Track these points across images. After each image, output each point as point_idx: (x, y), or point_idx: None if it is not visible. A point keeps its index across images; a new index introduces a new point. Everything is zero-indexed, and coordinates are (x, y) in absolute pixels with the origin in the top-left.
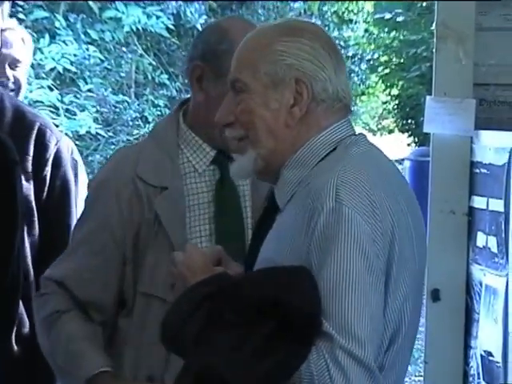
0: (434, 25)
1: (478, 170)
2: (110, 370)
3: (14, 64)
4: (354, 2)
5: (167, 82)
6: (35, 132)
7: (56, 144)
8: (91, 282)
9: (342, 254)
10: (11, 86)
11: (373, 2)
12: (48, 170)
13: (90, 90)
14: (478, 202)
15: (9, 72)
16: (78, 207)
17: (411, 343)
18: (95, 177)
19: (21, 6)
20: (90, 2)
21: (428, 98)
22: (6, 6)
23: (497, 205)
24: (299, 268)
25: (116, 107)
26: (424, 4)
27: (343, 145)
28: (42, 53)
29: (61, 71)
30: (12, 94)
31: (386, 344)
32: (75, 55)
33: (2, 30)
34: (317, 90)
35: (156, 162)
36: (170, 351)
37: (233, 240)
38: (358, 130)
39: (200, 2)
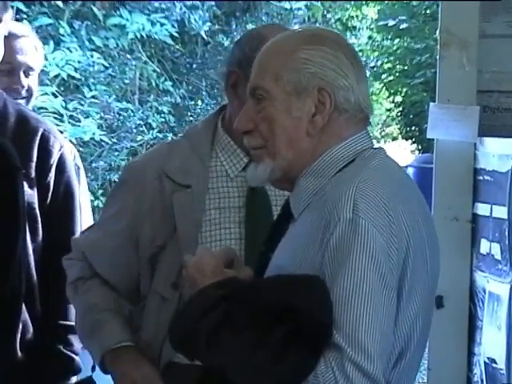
0: (437, 32)
1: (481, 177)
2: (130, 345)
3: (28, 72)
4: (358, 9)
5: (171, 89)
6: (39, 138)
7: (60, 150)
8: (109, 262)
9: (357, 266)
10: (24, 93)
11: (376, 9)
12: (52, 175)
13: (94, 97)
14: (482, 209)
15: (23, 80)
16: (81, 213)
17: (418, 360)
18: (132, 161)
19: (25, 13)
20: (95, 9)
21: (432, 104)
22: (10, 13)
23: (500, 212)
24: (314, 277)
25: (120, 114)
26: (428, 11)
27: (362, 157)
28: (47, 59)
29: (65, 78)
30: (23, 101)
31: (394, 360)
32: (79, 62)
33: (17, 37)
34: (339, 99)
35: (185, 160)
36: (179, 352)
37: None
38: None
39: (204, 9)
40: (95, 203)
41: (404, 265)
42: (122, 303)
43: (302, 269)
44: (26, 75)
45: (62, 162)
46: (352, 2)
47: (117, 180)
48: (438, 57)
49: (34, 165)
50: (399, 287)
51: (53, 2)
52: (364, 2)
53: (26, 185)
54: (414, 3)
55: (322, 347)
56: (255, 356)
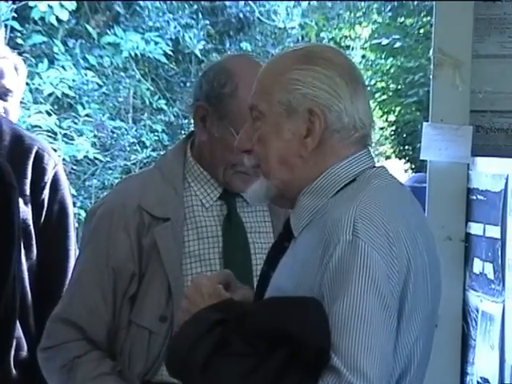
0: (431, 51)
1: (474, 197)
2: None
3: (5, 94)
4: (351, 28)
5: (165, 108)
6: (33, 155)
7: (54, 167)
8: (99, 317)
9: (356, 289)
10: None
11: (370, 28)
12: (46, 193)
13: (87, 115)
14: (475, 229)
15: None
16: (75, 230)
17: (422, 381)
18: (99, 205)
19: (19, 31)
20: (89, 28)
21: (425, 124)
22: (1, 32)
23: (493, 231)
24: (309, 299)
25: (114, 132)
26: (421, 30)
27: (363, 176)
28: (41, 78)
29: (59, 96)
30: None
31: (394, 383)
32: (73, 80)
33: None
34: (331, 119)
35: (160, 193)
36: (175, 378)
37: (241, 275)
38: None
39: (199, 28)
40: None
41: (404, 287)
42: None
43: (300, 290)
44: (3, 98)
45: (56, 179)
46: (345, 21)
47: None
48: (431, 76)
49: (28, 182)
50: (399, 309)
51: (47, 20)
52: (357, 21)
53: (20, 202)
54: (408, 22)
55: (320, 371)
56: (250, 382)
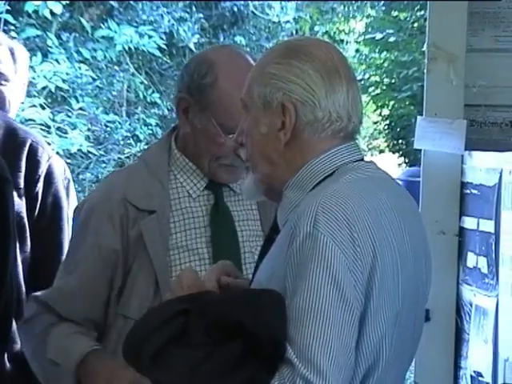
0: (425, 46)
1: (468, 191)
2: (99, 348)
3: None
4: (345, 22)
5: (159, 101)
6: (27, 149)
7: (48, 160)
8: (76, 302)
9: (313, 281)
10: None
11: (364, 22)
12: (40, 186)
13: (81, 109)
14: (469, 223)
15: None
16: (69, 224)
17: (397, 378)
18: (85, 201)
19: (13, 25)
20: (83, 21)
21: (419, 118)
22: None
23: (487, 225)
24: (269, 292)
25: (107, 126)
26: (415, 25)
27: (341, 170)
28: (34, 71)
29: (53, 90)
30: None
31: (360, 378)
32: (67, 74)
33: None
34: (304, 113)
35: (145, 186)
36: (130, 365)
37: None
38: None
39: (193, 21)
40: None
41: (370, 281)
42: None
43: (272, 283)
44: None
45: (50, 172)
46: (340, 15)
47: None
48: (425, 70)
49: (22, 175)
50: (364, 304)
51: (41, 13)
52: (351, 15)
53: (14, 195)
54: (402, 17)
55: (276, 362)
56: (198, 372)
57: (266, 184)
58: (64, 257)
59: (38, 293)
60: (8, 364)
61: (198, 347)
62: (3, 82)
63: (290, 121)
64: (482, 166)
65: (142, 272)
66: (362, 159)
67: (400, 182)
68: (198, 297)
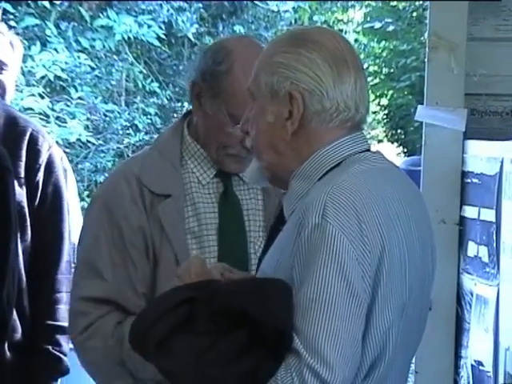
0: (425, 35)
1: (469, 180)
2: None
3: (0, 68)
4: (344, 12)
5: (158, 91)
6: (27, 138)
7: (48, 150)
8: (135, 290)
9: (322, 272)
10: None
11: (363, 12)
12: (40, 175)
13: (80, 98)
14: (470, 212)
15: None
16: (69, 213)
17: (402, 369)
18: (99, 189)
19: (12, 14)
20: (82, 10)
21: (420, 107)
22: None
23: (488, 214)
24: (277, 282)
25: (106, 115)
26: (414, 14)
27: (349, 161)
28: (33, 60)
29: (52, 79)
30: None
31: (366, 369)
32: (66, 63)
33: None
34: (311, 103)
35: (159, 170)
36: (135, 351)
37: (236, 253)
38: None
39: (192, 11)
40: (81, 204)
41: (378, 272)
42: None
43: (278, 272)
44: None
45: (50, 162)
46: (338, 4)
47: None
48: (426, 59)
49: (22, 164)
50: (372, 295)
51: (39, 2)
52: (350, 4)
53: (15, 184)
54: (401, 6)
55: (281, 352)
56: (201, 361)
57: (271, 172)
58: (64, 245)
59: (84, 293)
60: (8, 353)
61: (204, 335)
62: (5, 70)
63: (297, 110)
64: (483, 155)
65: (162, 257)
66: (369, 149)
67: None
68: (205, 285)
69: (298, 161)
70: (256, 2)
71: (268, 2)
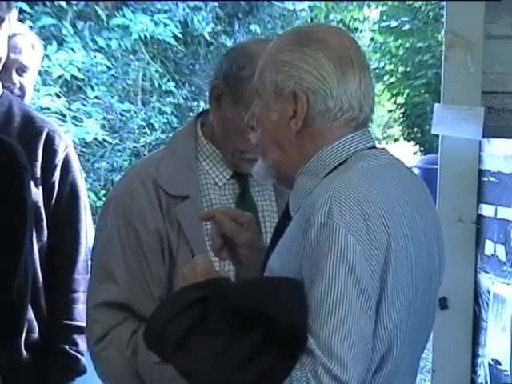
0: (442, 33)
1: (486, 178)
2: None
3: (21, 70)
4: (360, 11)
5: (174, 90)
6: (44, 137)
7: (65, 149)
8: (150, 294)
9: (331, 272)
10: (17, 92)
11: (379, 10)
12: (57, 175)
13: (97, 97)
14: (487, 210)
15: (15, 78)
16: (86, 212)
17: (412, 365)
18: (113, 191)
19: (28, 13)
20: (98, 10)
21: (437, 105)
22: (14, 12)
23: (505, 213)
24: (286, 280)
25: (123, 115)
26: (430, 12)
27: (354, 158)
28: (50, 60)
29: (68, 78)
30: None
31: (375, 366)
32: (83, 62)
33: (13, 35)
34: (315, 102)
35: (175, 172)
36: (152, 351)
37: None
38: None
39: (207, 10)
40: (98, 204)
41: (384, 270)
42: None
43: (285, 270)
44: (19, 74)
45: (67, 161)
46: (354, 3)
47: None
48: (442, 58)
49: (39, 164)
50: (380, 292)
51: (56, 2)
52: (366, 3)
53: (31, 184)
54: (417, 4)
55: (296, 351)
56: (222, 360)
57: (277, 171)
58: (81, 245)
59: (99, 299)
60: (25, 353)
61: (219, 334)
62: (26, 72)
63: (301, 109)
64: (500, 154)
65: (180, 259)
66: (374, 146)
67: (417, 170)
68: (213, 283)
69: (303, 159)
70: (272, 1)
71: (284, 1)
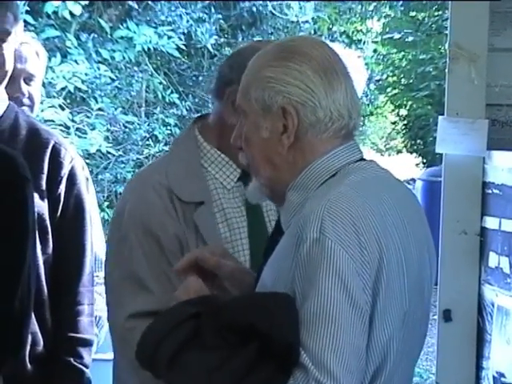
0: (446, 45)
1: (490, 191)
2: None
3: (29, 79)
4: (363, 22)
5: (177, 102)
6: (50, 150)
7: (71, 162)
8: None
9: (323, 287)
10: (26, 101)
11: (382, 22)
12: (62, 188)
13: (100, 109)
14: (491, 223)
15: (24, 87)
16: (92, 225)
17: (406, 374)
18: (126, 207)
19: (32, 25)
20: (102, 22)
21: (440, 118)
22: (20, 25)
23: (509, 225)
24: (280, 295)
25: (126, 126)
26: (433, 25)
27: (344, 171)
28: (54, 72)
29: (72, 90)
30: (26, 109)
31: (369, 379)
32: (86, 74)
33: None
34: (305, 115)
35: (185, 179)
36: (145, 369)
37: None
38: (366, 150)
39: (211, 22)
40: (101, 215)
41: (376, 283)
42: None
43: (277, 285)
44: (27, 83)
45: (72, 174)
46: (357, 15)
47: (120, 199)
48: (446, 70)
49: (44, 177)
50: (372, 305)
51: (60, 14)
52: (369, 15)
53: (36, 196)
54: (420, 16)
55: (290, 366)
56: (217, 376)
57: (269, 188)
58: (86, 258)
59: (132, 309)
60: (29, 365)
61: (213, 350)
62: (33, 81)
63: (292, 124)
64: (504, 166)
65: None
66: (363, 158)
67: (421, 183)
68: (206, 300)
69: (293, 173)
70: (275, 13)
71: (287, 12)
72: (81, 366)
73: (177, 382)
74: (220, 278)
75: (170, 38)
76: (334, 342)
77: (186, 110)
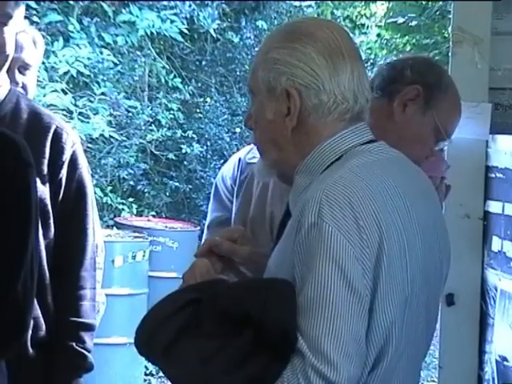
0: (449, 29)
1: (493, 175)
2: None
3: (23, 68)
4: (366, 7)
5: (180, 86)
6: (51, 134)
7: (72, 146)
8: None
9: (321, 272)
10: (20, 91)
11: (385, 6)
12: (64, 172)
13: (103, 94)
14: (494, 207)
15: (18, 77)
16: (93, 209)
17: (413, 361)
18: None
19: (35, 9)
20: (105, 6)
21: None
22: (22, 9)
23: None
24: (278, 281)
25: (129, 111)
26: (437, 9)
27: (349, 154)
28: (56, 56)
29: (74, 75)
30: None
31: (370, 365)
32: (89, 59)
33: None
34: (309, 98)
35: None
36: (142, 355)
37: None
38: None
39: (214, 6)
40: (104, 200)
41: (376, 268)
42: None
43: (280, 270)
44: (22, 72)
45: (74, 158)
46: None
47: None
48: (450, 54)
49: (46, 161)
50: (373, 290)
51: None
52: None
53: (38, 181)
54: (424, 1)
55: (287, 353)
56: (212, 364)
57: (276, 168)
58: (88, 242)
59: None
60: (31, 350)
61: (209, 338)
62: (28, 70)
63: (294, 106)
64: (507, 150)
65: None
66: (373, 140)
67: None
68: (209, 285)
69: (298, 156)
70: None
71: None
72: (83, 351)
73: (171, 369)
74: (236, 262)
75: (172, 22)
76: (330, 328)
77: (189, 94)
